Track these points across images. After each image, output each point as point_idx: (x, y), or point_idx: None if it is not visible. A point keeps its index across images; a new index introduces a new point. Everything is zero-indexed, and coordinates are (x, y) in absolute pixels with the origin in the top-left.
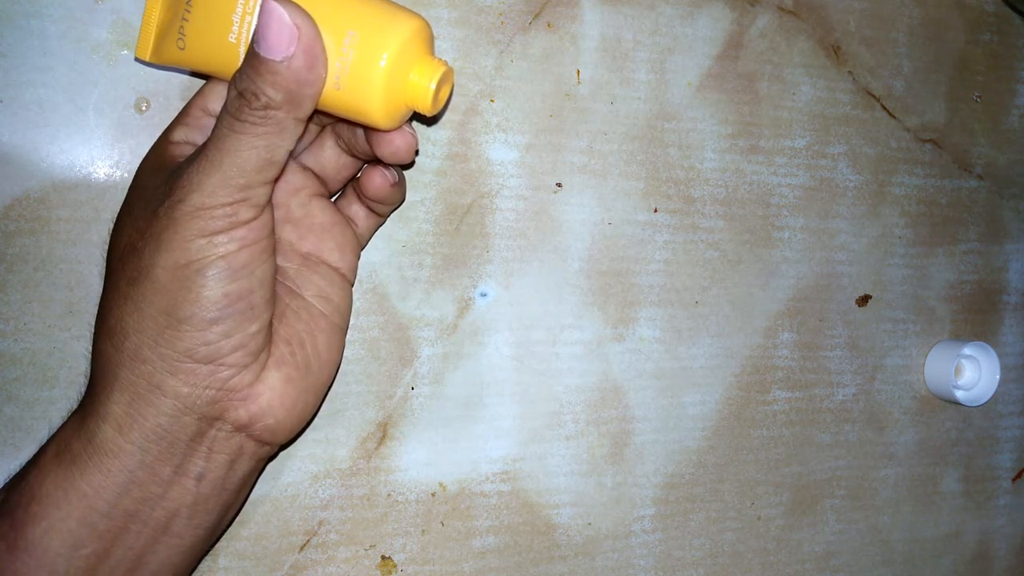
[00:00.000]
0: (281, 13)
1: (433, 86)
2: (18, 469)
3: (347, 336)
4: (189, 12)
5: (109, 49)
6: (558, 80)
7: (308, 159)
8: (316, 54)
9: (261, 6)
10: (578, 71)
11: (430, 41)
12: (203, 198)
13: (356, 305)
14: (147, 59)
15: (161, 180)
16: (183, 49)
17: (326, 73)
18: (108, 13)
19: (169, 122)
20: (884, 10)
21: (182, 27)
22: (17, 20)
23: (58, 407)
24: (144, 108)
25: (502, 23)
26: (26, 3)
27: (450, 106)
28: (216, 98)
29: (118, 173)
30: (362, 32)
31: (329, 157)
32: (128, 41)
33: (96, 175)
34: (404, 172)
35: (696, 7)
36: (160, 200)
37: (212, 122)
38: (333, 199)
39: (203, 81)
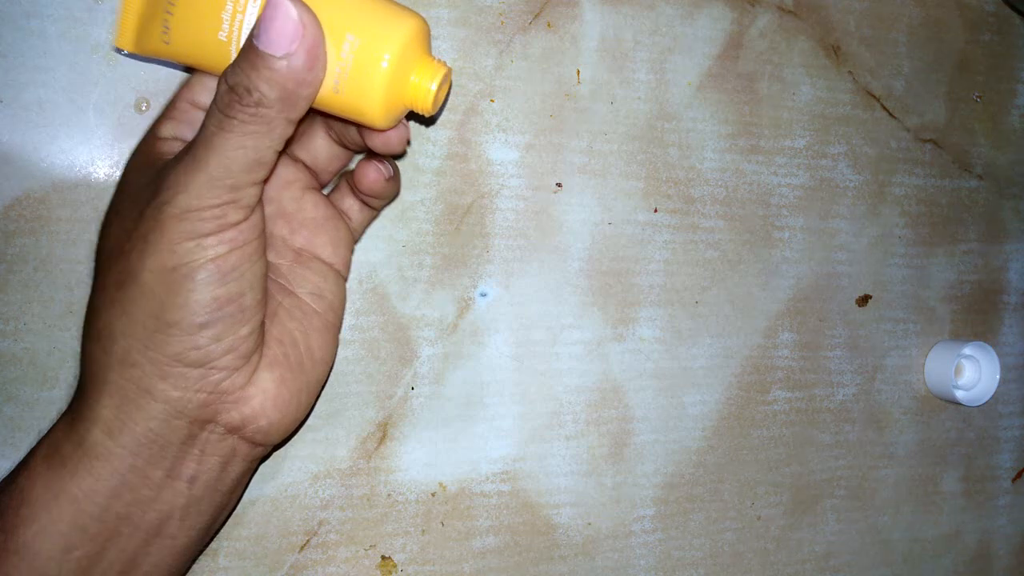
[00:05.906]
0: (288, 8)
1: (434, 88)
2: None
3: (347, 336)
4: (172, 6)
5: (109, 49)
6: (558, 80)
7: (299, 150)
8: (317, 55)
9: (268, 0)
10: (578, 71)
11: (428, 40)
12: (190, 200)
13: (356, 305)
14: (129, 50)
15: (148, 179)
16: (168, 44)
17: (324, 76)
18: (108, 13)
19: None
20: (884, 10)
21: (166, 20)
22: (17, 20)
23: (58, 407)
24: (144, 108)
25: (502, 23)
26: (26, 3)
27: (450, 106)
28: (203, 90)
29: (118, 173)
30: (362, 36)
31: (320, 148)
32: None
33: (96, 175)
34: (399, 167)
35: (696, 7)
36: (147, 200)
37: (201, 115)
38: (325, 192)
39: None
